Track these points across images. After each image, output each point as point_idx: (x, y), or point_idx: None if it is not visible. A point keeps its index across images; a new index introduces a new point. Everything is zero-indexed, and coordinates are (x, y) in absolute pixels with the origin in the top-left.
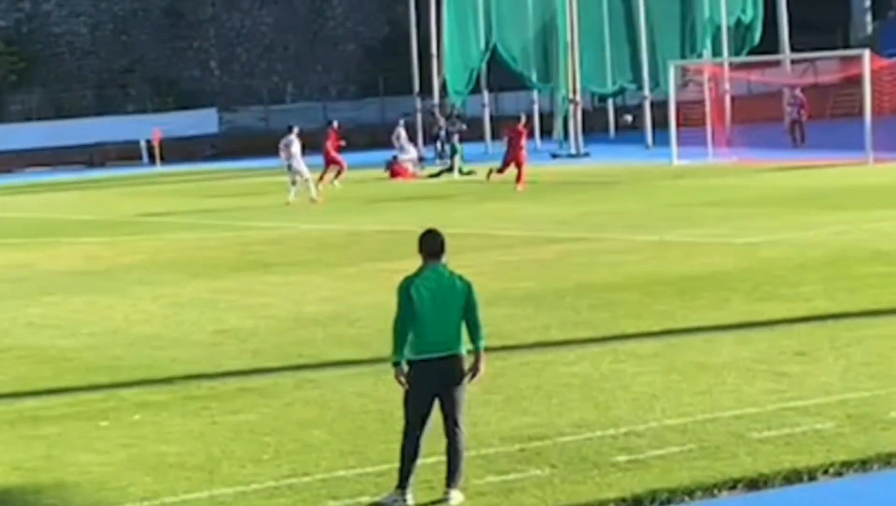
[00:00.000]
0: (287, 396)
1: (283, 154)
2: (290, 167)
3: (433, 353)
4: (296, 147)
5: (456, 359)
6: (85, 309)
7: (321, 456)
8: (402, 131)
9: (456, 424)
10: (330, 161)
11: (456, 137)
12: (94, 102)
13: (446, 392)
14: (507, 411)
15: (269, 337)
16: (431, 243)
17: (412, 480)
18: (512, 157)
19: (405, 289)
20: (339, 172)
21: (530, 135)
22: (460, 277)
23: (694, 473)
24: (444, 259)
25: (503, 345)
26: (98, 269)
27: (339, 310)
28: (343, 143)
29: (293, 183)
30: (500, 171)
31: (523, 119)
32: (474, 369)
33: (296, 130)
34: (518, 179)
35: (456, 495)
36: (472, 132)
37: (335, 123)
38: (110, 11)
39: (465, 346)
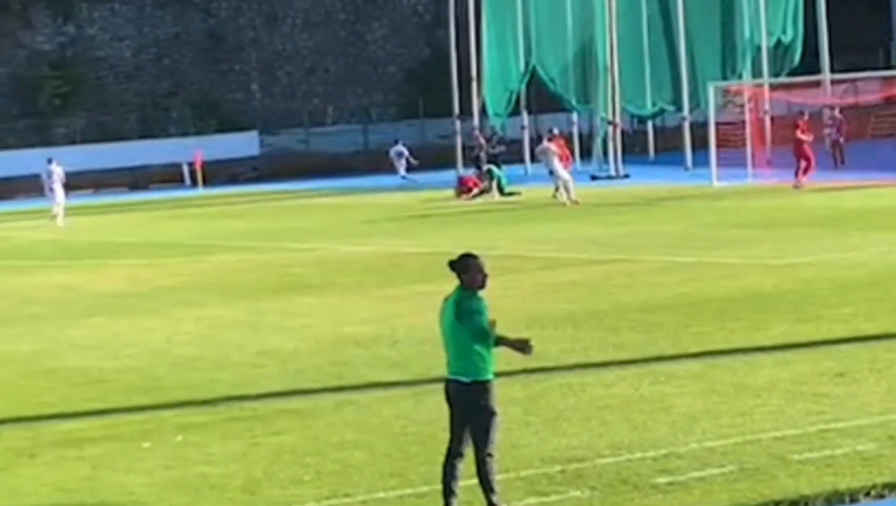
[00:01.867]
0: (327, 417)
1: (541, 158)
2: (550, 172)
3: (447, 373)
4: (551, 153)
5: (457, 385)
6: (127, 331)
7: (362, 478)
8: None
9: (477, 449)
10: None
11: (484, 159)
12: (136, 125)
13: (460, 416)
14: (546, 433)
15: (309, 358)
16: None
17: (454, 501)
18: (799, 153)
19: None
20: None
21: (808, 130)
22: (452, 297)
23: (734, 495)
24: (466, 281)
25: (542, 366)
26: (140, 291)
27: (380, 331)
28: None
29: (557, 189)
30: (798, 173)
31: (805, 115)
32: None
33: (555, 131)
34: (805, 171)
35: None
36: (512, 154)
37: (556, 131)
38: (153, 35)
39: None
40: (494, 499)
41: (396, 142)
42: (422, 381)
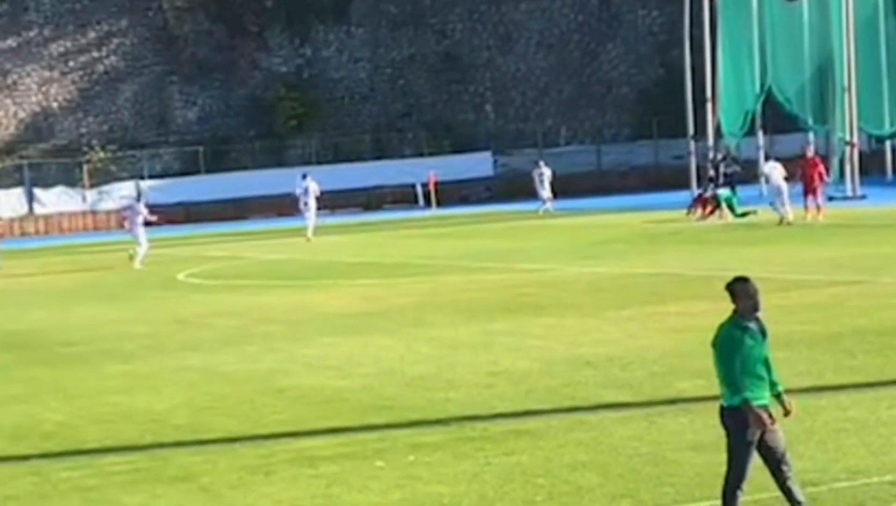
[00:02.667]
0: (559, 438)
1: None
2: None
3: None
4: (776, 174)
5: (721, 408)
6: (360, 350)
7: (593, 498)
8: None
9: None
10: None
11: (719, 179)
12: (371, 146)
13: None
14: None
15: (541, 379)
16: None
17: None
18: None
19: None
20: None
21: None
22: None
23: None
24: (737, 307)
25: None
26: (373, 310)
27: (613, 352)
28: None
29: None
30: None
31: None
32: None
33: (810, 150)
34: None
35: None
36: (747, 175)
37: (811, 151)
38: (388, 57)
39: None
40: None
41: (536, 164)
42: (654, 402)
